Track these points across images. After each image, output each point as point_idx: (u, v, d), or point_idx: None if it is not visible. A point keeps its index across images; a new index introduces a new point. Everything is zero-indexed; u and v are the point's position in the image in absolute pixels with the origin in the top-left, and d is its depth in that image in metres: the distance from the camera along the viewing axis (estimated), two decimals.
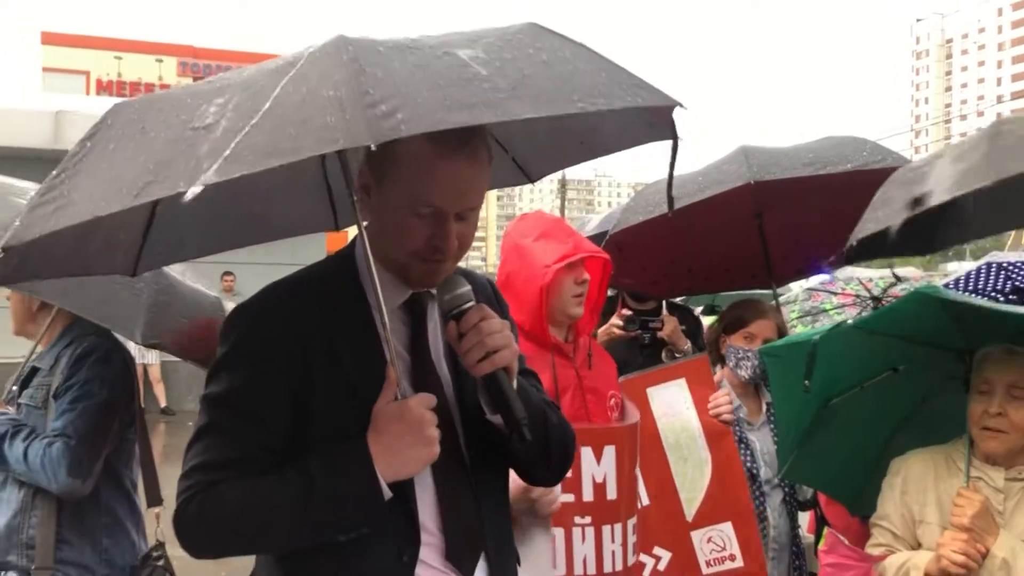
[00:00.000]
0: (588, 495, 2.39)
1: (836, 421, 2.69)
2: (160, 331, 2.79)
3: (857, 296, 4.56)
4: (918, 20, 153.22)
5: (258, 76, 1.36)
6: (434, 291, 1.61)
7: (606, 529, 2.40)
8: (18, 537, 2.58)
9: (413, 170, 1.47)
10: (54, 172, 1.36)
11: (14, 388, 2.83)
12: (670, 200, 1.82)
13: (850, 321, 2.65)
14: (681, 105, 1.46)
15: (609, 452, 2.39)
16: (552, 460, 1.75)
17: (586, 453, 2.36)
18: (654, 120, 1.64)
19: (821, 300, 4.72)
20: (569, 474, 2.09)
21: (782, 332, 3.21)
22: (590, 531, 2.39)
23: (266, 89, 1.29)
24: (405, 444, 1.46)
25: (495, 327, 1.53)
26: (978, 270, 4.47)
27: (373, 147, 1.14)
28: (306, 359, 1.50)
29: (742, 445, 3.09)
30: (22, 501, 2.61)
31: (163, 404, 11.94)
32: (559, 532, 2.32)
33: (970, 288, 4.37)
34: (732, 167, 3.30)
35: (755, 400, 3.25)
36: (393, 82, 1.24)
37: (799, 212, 3.54)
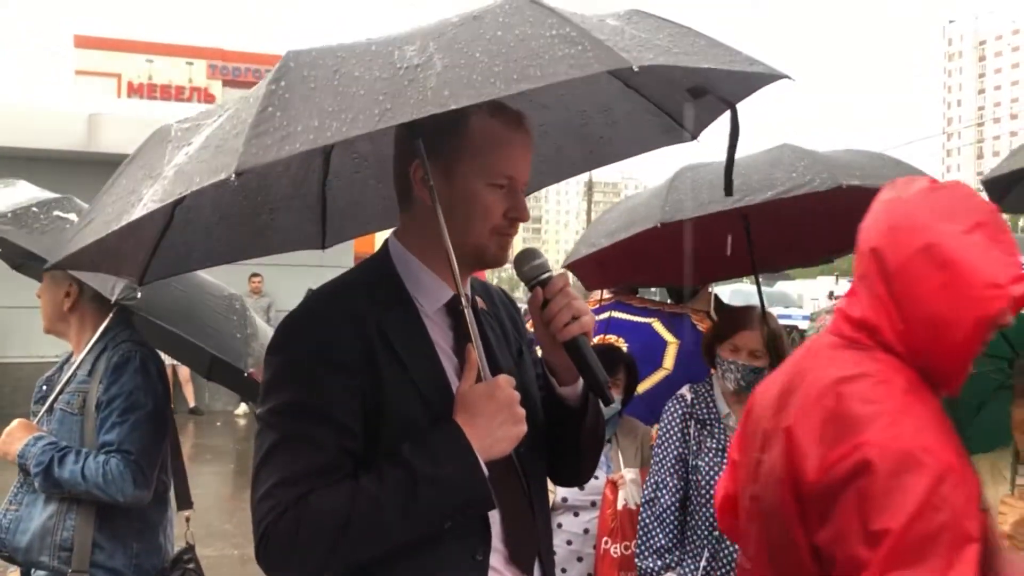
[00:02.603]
0: None
1: None
2: (257, 360, 2.86)
3: None
4: (951, 22, 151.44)
5: (442, 27, 1.37)
6: (470, 292, 1.66)
7: None
8: (52, 538, 2.60)
9: (491, 145, 1.55)
10: (257, 104, 1.28)
11: (43, 388, 2.86)
12: (728, 183, 2.02)
13: None
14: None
15: None
16: (596, 447, 1.79)
17: None
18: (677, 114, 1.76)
19: None
20: None
21: (773, 340, 3.08)
22: None
23: (464, 34, 1.32)
24: (497, 422, 1.47)
25: (575, 293, 1.59)
26: None
27: (636, 68, 1.23)
28: (371, 358, 1.49)
29: (723, 453, 2.97)
30: (59, 503, 2.63)
31: (192, 404, 12.06)
32: None
33: None
34: (656, 202, 3.27)
35: None
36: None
37: (780, 216, 3.46)
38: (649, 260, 3.76)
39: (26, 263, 2.93)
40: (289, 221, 2.12)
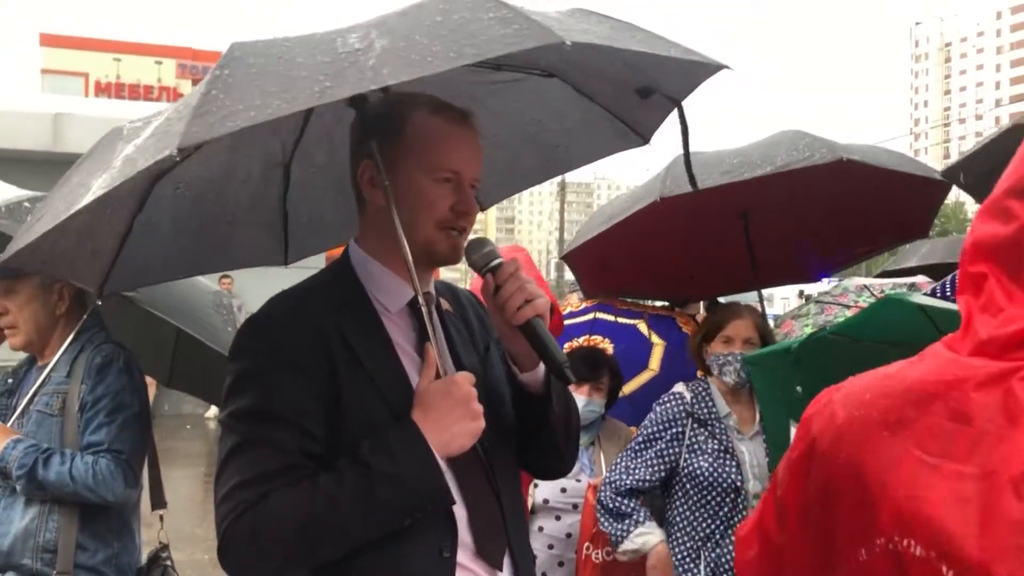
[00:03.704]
0: None
1: None
2: None
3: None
4: (917, 23, 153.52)
5: (388, 17, 1.41)
6: (432, 291, 1.69)
7: None
8: (34, 540, 2.58)
9: (431, 141, 1.57)
10: (202, 88, 1.30)
11: (9, 381, 2.82)
12: (691, 177, 2.03)
13: (828, 328, 2.66)
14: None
15: None
16: (571, 436, 1.79)
17: None
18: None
19: (834, 313, 4.72)
20: None
21: (763, 331, 3.09)
22: None
23: (405, 22, 1.36)
24: (454, 419, 1.48)
25: (528, 276, 1.59)
26: (955, 277, 4.48)
27: (568, 43, 1.26)
28: (330, 360, 1.51)
29: (727, 455, 2.95)
30: (40, 505, 2.61)
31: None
32: None
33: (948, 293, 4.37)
34: (654, 183, 3.29)
35: (748, 408, 3.10)
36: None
37: (781, 213, 3.50)
38: (653, 267, 3.78)
39: None
40: (250, 236, 2.11)
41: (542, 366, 1.65)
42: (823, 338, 2.51)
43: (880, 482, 0.98)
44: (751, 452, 2.99)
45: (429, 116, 1.59)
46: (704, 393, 3.06)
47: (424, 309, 1.57)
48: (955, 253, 5.43)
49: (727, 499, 2.91)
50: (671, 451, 2.99)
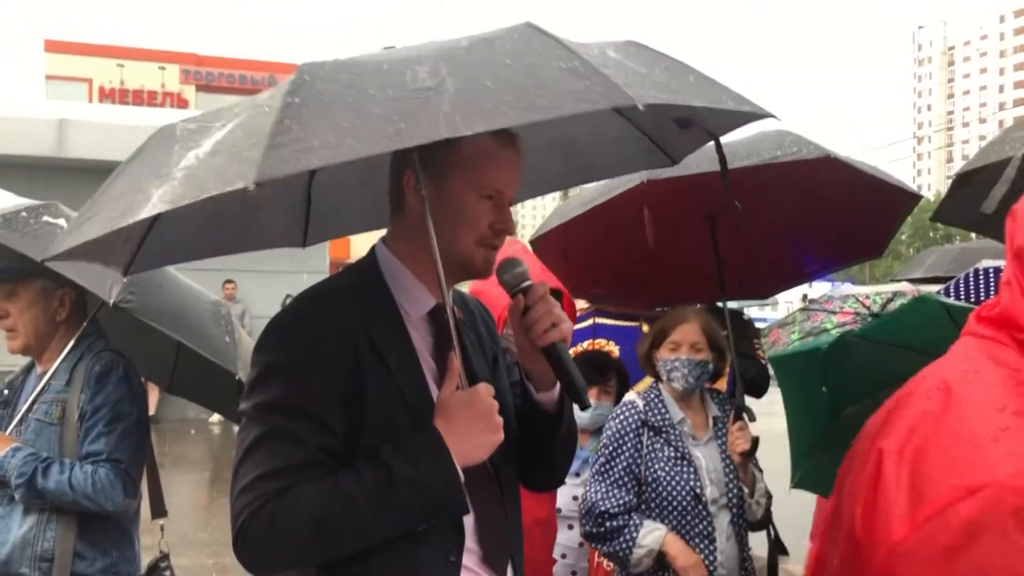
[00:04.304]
0: None
1: (847, 431, 2.70)
2: (245, 365, 2.84)
3: (856, 314, 4.58)
4: (920, 27, 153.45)
5: (453, 49, 1.41)
6: (450, 301, 1.71)
7: None
8: (32, 550, 2.58)
9: (483, 159, 1.61)
10: (275, 118, 1.29)
11: (5, 391, 2.82)
12: (731, 204, 2.04)
13: (856, 331, 2.66)
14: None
15: None
16: (569, 452, 1.84)
17: None
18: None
19: (820, 320, 4.73)
20: None
21: (711, 335, 3.02)
22: None
23: (474, 59, 1.37)
24: (475, 430, 1.51)
25: (555, 301, 1.64)
26: (967, 277, 4.47)
27: (641, 107, 1.26)
28: (356, 359, 1.54)
29: (683, 462, 2.89)
30: (38, 514, 2.61)
31: (151, 412, 11.86)
32: None
33: (967, 296, 4.37)
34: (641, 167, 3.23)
35: (700, 413, 3.05)
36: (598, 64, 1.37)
37: (749, 219, 3.46)
38: (634, 276, 3.72)
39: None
40: (273, 219, 2.13)
41: (557, 388, 1.70)
42: (850, 340, 2.51)
43: None
44: (707, 457, 2.94)
45: (484, 135, 1.57)
46: (656, 400, 3.01)
47: (451, 320, 1.59)
48: (963, 264, 5.42)
49: (688, 507, 2.85)
50: (635, 463, 2.92)
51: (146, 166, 1.60)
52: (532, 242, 3.60)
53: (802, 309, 4.91)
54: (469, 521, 1.59)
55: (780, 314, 23.39)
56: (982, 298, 4.34)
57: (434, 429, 1.51)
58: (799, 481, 2.86)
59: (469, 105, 1.27)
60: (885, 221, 3.64)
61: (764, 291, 4.31)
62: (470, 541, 1.59)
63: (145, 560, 2.88)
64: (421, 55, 1.39)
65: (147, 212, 1.40)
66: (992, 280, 4.38)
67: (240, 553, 1.48)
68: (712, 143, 1.86)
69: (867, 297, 4.65)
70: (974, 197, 2.92)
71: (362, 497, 1.44)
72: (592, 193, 3.41)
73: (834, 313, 4.63)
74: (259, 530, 1.44)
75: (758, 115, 1.67)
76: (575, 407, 1.75)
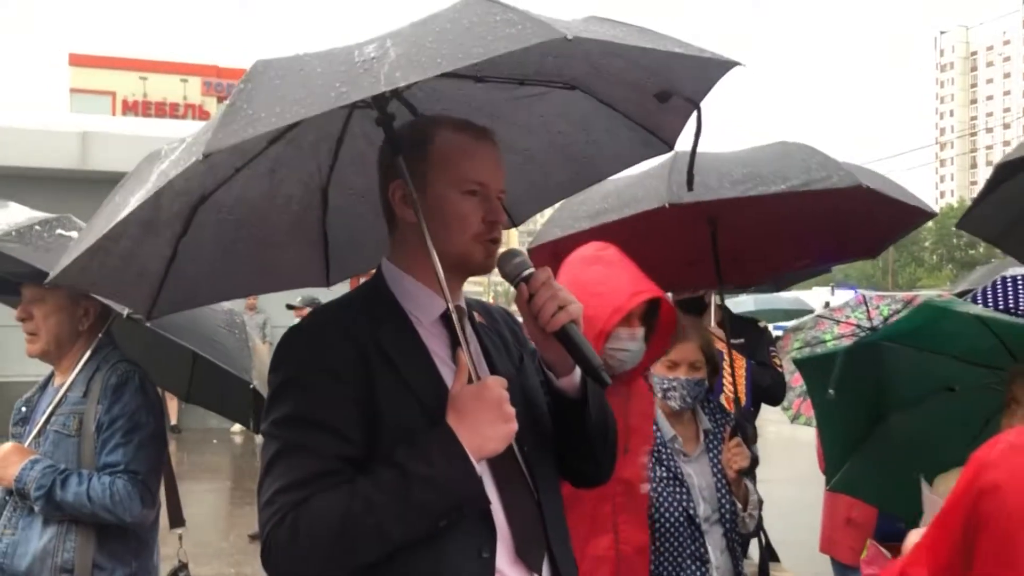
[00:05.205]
0: None
1: (892, 437, 2.67)
2: (260, 375, 2.86)
3: (857, 326, 4.56)
4: (942, 32, 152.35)
5: (403, 28, 1.46)
6: (463, 304, 1.75)
7: None
8: (53, 560, 2.59)
9: (456, 155, 1.65)
10: (227, 104, 1.35)
11: (23, 409, 2.84)
12: (690, 178, 2.09)
13: (879, 333, 2.64)
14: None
15: None
16: (609, 444, 1.83)
17: None
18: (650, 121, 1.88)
19: (824, 328, 4.71)
20: None
21: (708, 353, 2.93)
22: None
23: (418, 30, 1.42)
24: (486, 421, 1.51)
25: (560, 284, 1.64)
26: (995, 285, 4.42)
27: (569, 37, 1.30)
28: (368, 367, 1.56)
29: (675, 483, 2.77)
30: (58, 525, 2.62)
31: (173, 422, 11.94)
32: None
33: (995, 304, 4.31)
34: (654, 183, 3.12)
35: (691, 427, 2.95)
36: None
37: (750, 225, 3.39)
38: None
39: (1, 287, 2.89)
40: (293, 257, 2.18)
41: (578, 371, 1.70)
42: (874, 344, 2.49)
43: None
44: (698, 474, 2.85)
45: (452, 133, 1.67)
46: None
47: (455, 316, 1.62)
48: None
49: (680, 528, 2.76)
50: None
51: (132, 183, 1.68)
52: (529, 251, 3.54)
53: (814, 315, 4.89)
54: (500, 516, 1.58)
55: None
56: (1009, 305, 4.29)
57: (445, 424, 1.52)
58: (836, 484, 2.84)
59: (407, 62, 1.31)
60: (891, 230, 3.62)
61: (753, 279, 4.27)
62: (502, 537, 1.58)
63: (164, 570, 2.89)
64: (373, 37, 1.45)
65: (124, 213, 1.49)
66: (1021, 287, 4.33)
67: (268, 565, 1.51)
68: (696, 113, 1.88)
69: (876, 308, 4.63)
70: (999, 207, 2.88)
71: (380, 499, 1.46)
72: (594, 206, 3.33)
73: (837, 323, 4.61)
74: (283, 542, 1.46)
75: (724, 63, 1.70)
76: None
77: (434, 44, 1.34)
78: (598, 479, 1.90)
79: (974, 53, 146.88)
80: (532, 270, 1.65)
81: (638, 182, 3.26)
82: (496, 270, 1.70)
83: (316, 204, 2.08)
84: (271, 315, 12.12)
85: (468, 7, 1.44)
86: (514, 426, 1.54)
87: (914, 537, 2.25)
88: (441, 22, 1.41)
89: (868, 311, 4.64)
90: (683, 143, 2.07)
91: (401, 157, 1.64)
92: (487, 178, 1.66)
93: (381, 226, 2.05)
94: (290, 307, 8.78)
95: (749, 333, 4.60)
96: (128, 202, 1.55)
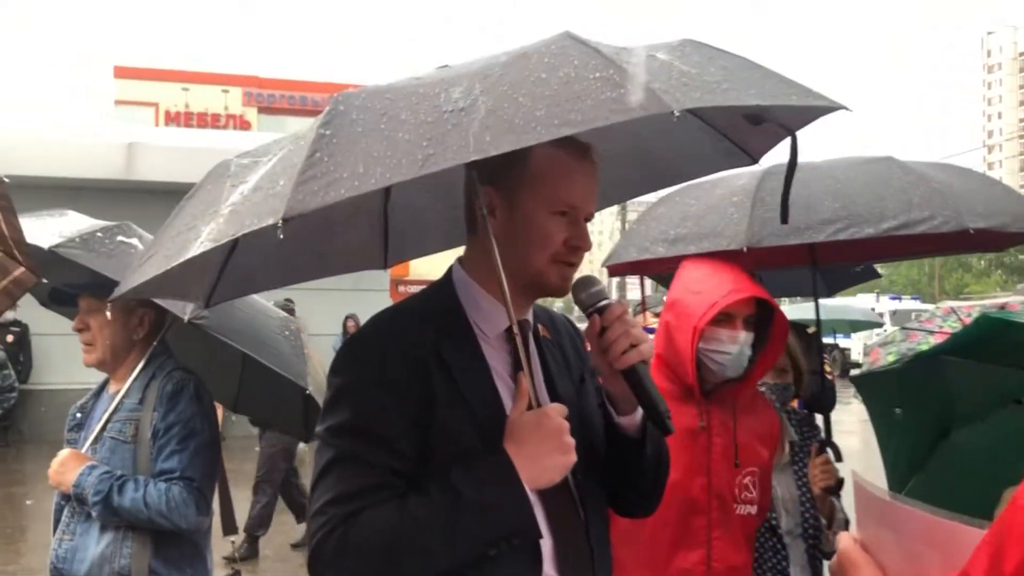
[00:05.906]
0: None
1: (958, 453, 2.60)
2: (316, 383, 2.87)
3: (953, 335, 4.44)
4: (989, 33, 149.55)
5: (489, 67, 1.39)
6: (530, 318, 1.70)
7: None
8: (110, 566, 2.62)
9: (553, 174, 1.57)
10: (307, 152, 1.30)
11: (77, 415, 2.87)
12: (784, 212, 1.97)
13: (936, 347, 2.56)
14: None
15: None
16: (659, 479, 1.78)
17: None
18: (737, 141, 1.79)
19: (918, 340, 4.58)
20: None
21: (794, 355, 2.86)
22: None
23: (509, 76, 1.33)
24: (545, 451, 1.48)
25: (635, 321, 1.57)
26: None
27: (676, 114, 1.23)
28: (427, 381, 1.52)
29: None
30: (115, 531, 2.65)
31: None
32: None
33: None
34: (736, 214, 2.90)
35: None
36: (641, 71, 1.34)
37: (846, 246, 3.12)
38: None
39: (58, 298, 2.92)
40: (350, 242, 2.13)
41: (640, 411, 1.65)
42: (934, 357, 2.42)
43: None
44: (782, 486, 2.79)
45: (552, 149, 1.55)
46: None
47: (519, 339, 1.56)
48: None
49: (763, 540, 2.69)
50: None
51: (200, 203, 1.64)
52: (604, 267, 3.51)
53: (902, 328, 4.77)
54: (547, 545, 1.54)
55: (860, 335, 22.58)
56: None
57: (503, 452, 1.48)
58: None
59: (499, 124, 1.24)
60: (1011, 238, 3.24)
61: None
62: (548, 567, 1.54)
63: None
64: (458, 75, 1.38)
65: (195, 250, 1.43)
66: None
67: (315, 573, 1.49)
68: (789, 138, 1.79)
69: (968, 316, 4.50)
70: None
71: (429, 522, 1.43)
72: (671, 230, 3.16)
73: (932, 333, 4.48)
74: (330, 554, 1.45)
75: (829, 108, 1.62)
76: None
77: (528, 101, 1.26)
78: (645, 511, 1.85)
79: (1022, 53, 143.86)
80: (608, 301, 1.60)
81: (719, 207, 3.05)
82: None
83: (380, 190, 2.03)
84: (308, 323, 12.18)
85: (564, 52, 1.37)
86: (573, 458, 1.50)
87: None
88: (535, 67, 1.34)
89: (960, 319, 4.53)
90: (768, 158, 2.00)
91: (476, 171, 1.56)
92: (579, 201, 1.59)
93: (443, 212, 2.01)
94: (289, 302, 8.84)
95: (797, 339, 4.52)
96: (198, 230, 1.50)
